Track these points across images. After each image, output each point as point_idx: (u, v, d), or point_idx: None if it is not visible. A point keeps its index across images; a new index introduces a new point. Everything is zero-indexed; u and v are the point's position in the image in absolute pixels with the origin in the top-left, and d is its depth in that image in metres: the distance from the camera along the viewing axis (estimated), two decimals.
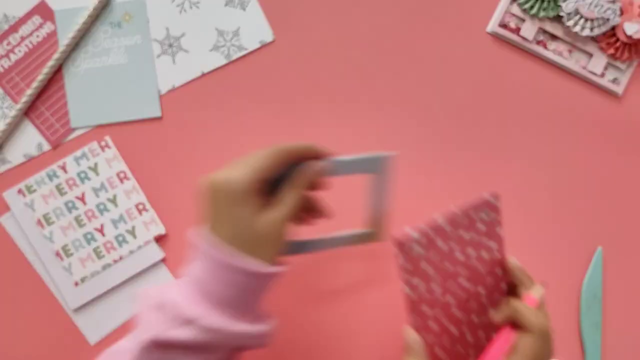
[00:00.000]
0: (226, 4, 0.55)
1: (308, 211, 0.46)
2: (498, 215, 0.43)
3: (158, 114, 0.55)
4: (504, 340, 0.42)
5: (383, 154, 0.46)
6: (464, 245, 0.43)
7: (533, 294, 0.43)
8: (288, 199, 0.41)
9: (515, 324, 0.42)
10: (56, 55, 0.54)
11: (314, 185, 0.43)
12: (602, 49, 0.56)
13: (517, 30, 0.56)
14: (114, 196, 0.54)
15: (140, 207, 0.54)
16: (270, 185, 0.41)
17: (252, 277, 0.39)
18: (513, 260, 0.45)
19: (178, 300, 0.39)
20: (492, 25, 0.56)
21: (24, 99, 0.54)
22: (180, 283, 0.41)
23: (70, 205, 0.54)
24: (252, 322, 0.41)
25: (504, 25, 0.56)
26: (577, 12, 0.54)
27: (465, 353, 0.45)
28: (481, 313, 0.45)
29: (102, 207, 0.54)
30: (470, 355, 0.45)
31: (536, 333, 0.41)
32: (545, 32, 0.56)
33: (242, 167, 0.39)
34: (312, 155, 0.43)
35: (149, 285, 0.54)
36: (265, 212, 0.40)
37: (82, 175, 0.54)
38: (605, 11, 0.54)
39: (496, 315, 0.44)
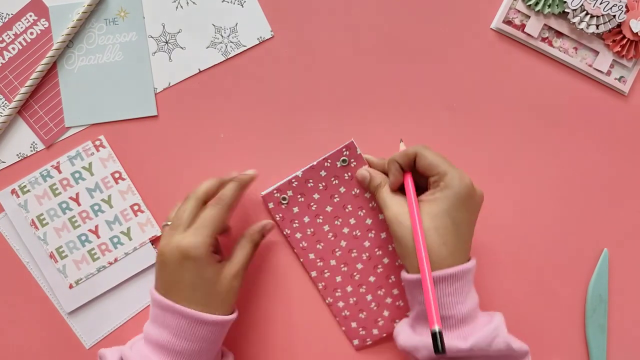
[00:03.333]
0: (223, 0, 0.54)
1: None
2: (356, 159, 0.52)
3: (154, 112, 0.54)
4: (410, 184, 0.48)
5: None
6: (334, 188, 0.52)
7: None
8: (240, 256, 0.48)
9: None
10: (50, 53, 0.53)
11: (261, 237, 0.51)
12: (608, 46, 0.55)
13: (522, 27, 0.55)
14: (109, 197, 0.53)
15: (136, 208, 0.54)
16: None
17: (213, 328, 0.44)
18: (365, 167, 0.51)
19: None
20: (497, 22, 0.55)
21: (18, 97, 0.53)
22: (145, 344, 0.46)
23: (64, 206, 0.53)
24: None
25: (508, 22, 0.55)
26: (582, 8, 0.53)
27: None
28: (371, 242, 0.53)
29: (96, 208, 0.53)
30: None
31: (419, 147, 0.47)
32: (550, 29, 0.55)
33: (200, 232, 0.45)
34: (245, 185, 0.49)
35: (144, 288, 0.54)
36: (222, 269, 0.46)
37: (76, 175, 0.53)
38: (611, 8, 0.53)
39: (391, 182, 0.49)
